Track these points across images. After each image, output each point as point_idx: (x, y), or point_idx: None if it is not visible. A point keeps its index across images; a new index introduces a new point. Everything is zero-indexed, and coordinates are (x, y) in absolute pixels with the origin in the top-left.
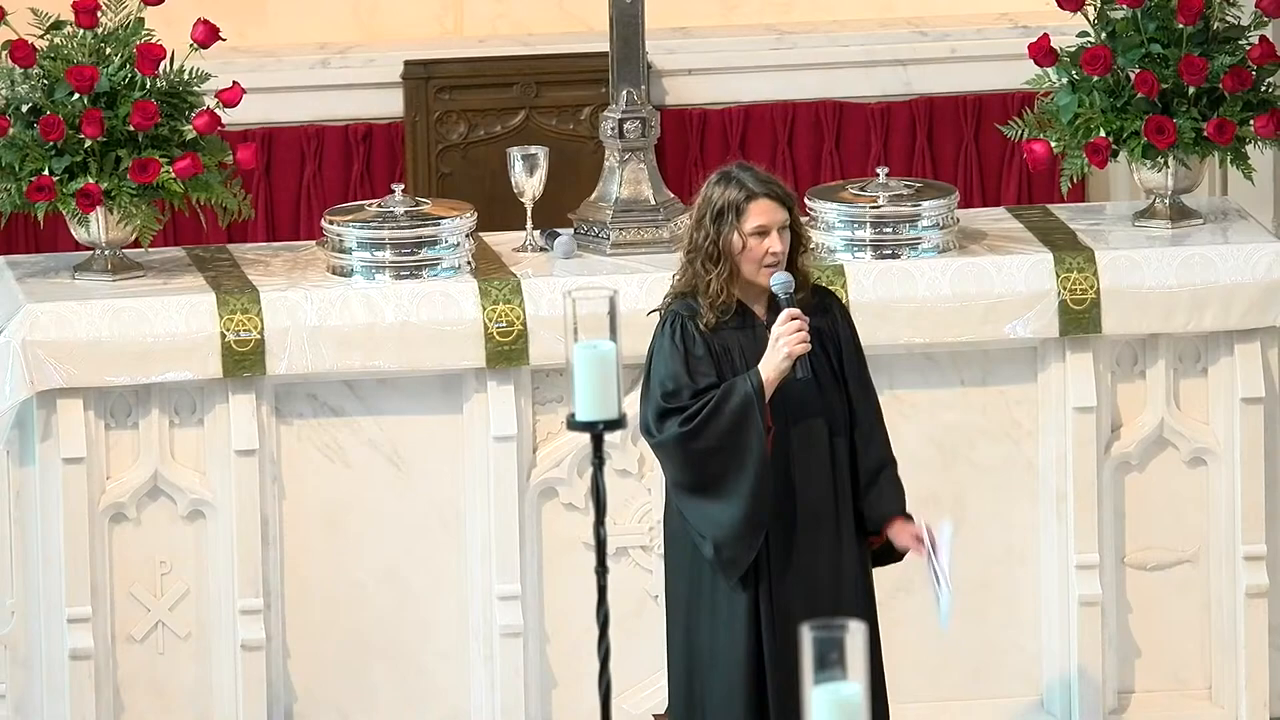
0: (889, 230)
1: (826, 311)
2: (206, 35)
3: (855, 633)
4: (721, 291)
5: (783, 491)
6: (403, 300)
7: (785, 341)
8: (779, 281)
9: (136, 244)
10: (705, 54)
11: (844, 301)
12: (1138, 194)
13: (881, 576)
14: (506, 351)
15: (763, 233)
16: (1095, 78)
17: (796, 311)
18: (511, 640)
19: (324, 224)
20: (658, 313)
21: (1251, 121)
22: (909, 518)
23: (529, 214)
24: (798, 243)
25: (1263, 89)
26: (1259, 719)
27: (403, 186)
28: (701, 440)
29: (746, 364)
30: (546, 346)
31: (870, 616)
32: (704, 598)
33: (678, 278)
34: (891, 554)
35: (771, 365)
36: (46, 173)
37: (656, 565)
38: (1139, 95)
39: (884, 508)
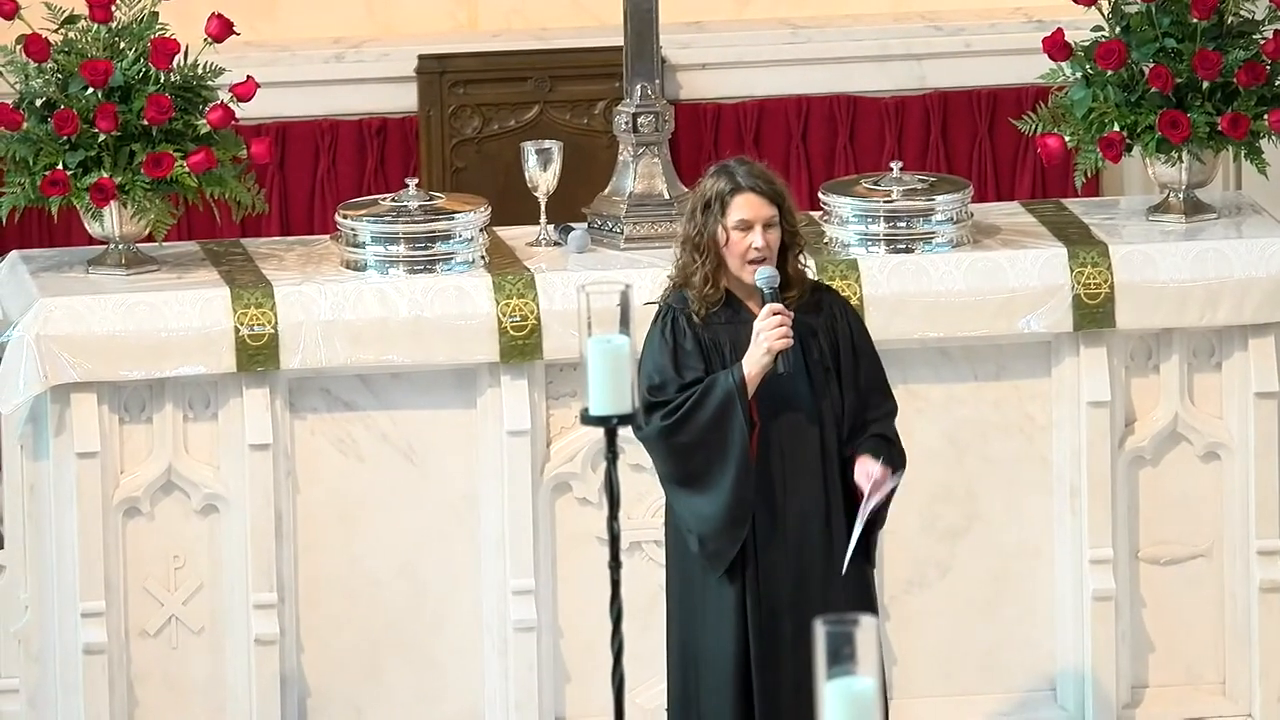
0: (903, 225)
1: (822, 308)
2: (220, 29)
3: (867, 628)
4: (707, 283)
5: (772, 488)
6: (416, 294)
7: (766, 336)
8: (763, 276)
9: (150, 238)
10: (719, 48)
11: (858, 296)
12: (1152, 188)
13: (892, 573)
14: (520, 346)
15: (745, 227)
16: (1109, 72)
17: (779, 306)
18: (525, 635)
19: (338, 218)
20: (655, 304)
21: (1266, 116)
22: (876, 456)
23: (543, 208)
24: (793, 242)
25: (1277, 83)
26: (1272, 713)
27: (417, 181)
28: (683, 434)
29: (736, 358)
30: (560, 341)
31: (868, 612)
32: (695, 593)
33: (673, 269)
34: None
35: (753, 360)
36: (60, 167)
37: None
38: (1153, 90)
39: (857, 448)
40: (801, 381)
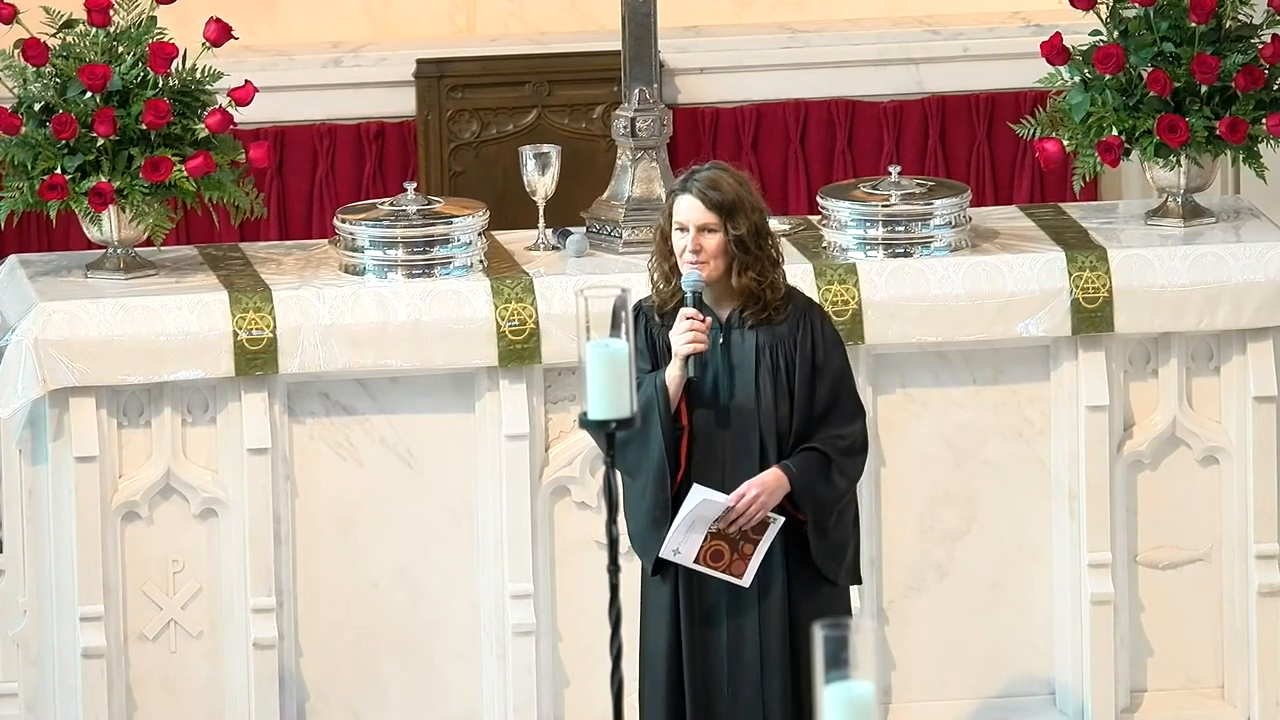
0: (901, 229)
1: (793, 323)
2: (219, 34)
3: (864, 631)
4: (655, 274)
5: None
6: (415, 299)
7: (674, 341)
8: (687, 281)
9: (149, 242)
10: (717, 52)
11: (856, 300)
12: (1150, 193)
13: (890, 577)
14: (518, 350)
15: (681, 229)
16: (1108, 76)
17: (691, 311)
18: (523, 639)
19: (336, 222)
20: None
21: (1264, 120)
22: (790, 473)
23: (541, 212)
24: (740, 254)
25: (1275, 88)
26: (1271, 717)
27: (415, 185)
28: None
29: None
30: (558, 345)
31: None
32: (644, 592)
33: None
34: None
35: (670, 363)
36: (59, 171)
37: None
38: (1151, 94)
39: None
40: (747, 393)
